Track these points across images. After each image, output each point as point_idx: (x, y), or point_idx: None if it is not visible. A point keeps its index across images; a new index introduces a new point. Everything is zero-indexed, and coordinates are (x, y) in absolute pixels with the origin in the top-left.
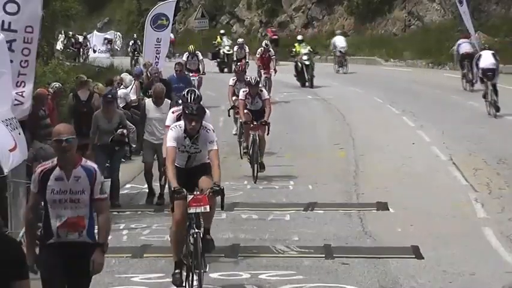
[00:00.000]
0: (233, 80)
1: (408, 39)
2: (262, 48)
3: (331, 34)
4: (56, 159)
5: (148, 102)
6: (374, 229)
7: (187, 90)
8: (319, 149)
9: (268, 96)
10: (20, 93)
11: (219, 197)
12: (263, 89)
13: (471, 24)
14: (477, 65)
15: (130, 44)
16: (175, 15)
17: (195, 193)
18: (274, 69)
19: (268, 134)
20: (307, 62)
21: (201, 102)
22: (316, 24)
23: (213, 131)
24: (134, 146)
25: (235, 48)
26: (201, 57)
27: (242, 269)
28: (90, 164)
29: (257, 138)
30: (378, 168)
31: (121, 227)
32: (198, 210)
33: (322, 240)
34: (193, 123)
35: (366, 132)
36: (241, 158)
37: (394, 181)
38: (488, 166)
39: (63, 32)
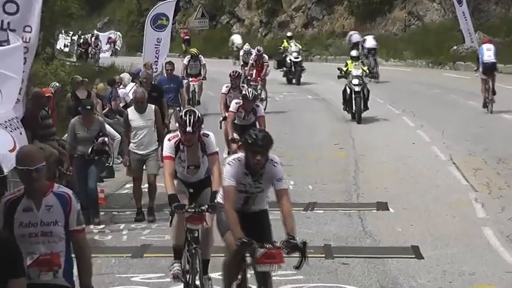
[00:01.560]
0: (226, 87)
1: (408, 39)
2: (255, 55)
3: (331, 34)
4: (23, 186)
5: (131, 110)
6: (374, 229)
7: (185, 111)
8: (319, 149)
9: (263, 114)
10: (19, 91)
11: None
12: (260, 105)
13: (471, 25)
14: (363, 46)
15: None
16: (175, 15)
17: (266, 246)
18: (262, 78)
19: None
20: (357, 88)
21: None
22: (316, 24)
23: (281, 164)
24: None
25: (241, 52)
26: (203, 61)
27: None
28: (63, 189)
29: None
30: (378, 168)
31: (121, 227)
32: (273, 268)
33: (322, 240)
34: (258, 157)
35: (366, 132)
36: None
37: (394, 181)
38: (488, 166)
39: (63, 31)
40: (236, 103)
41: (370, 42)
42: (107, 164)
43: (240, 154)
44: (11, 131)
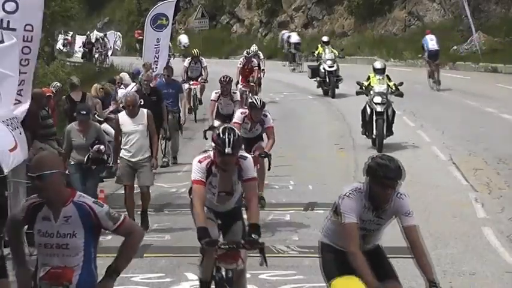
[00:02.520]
0: (216, 93)
1: (408, 39)
2: (244, 58)
3: (331, 34)
4: None
5: (121, 115)
6: None
7: (222, 128)
8: (319, 149)
9: (272, 124)
10: (19, 92)
11: None
12: (267, 114)
13: (471, 24)
14: (289, 42)
15: None
16: (175, 15)
17: None
18: (254, 83)
19: (269, 168)
20: (379, 108)
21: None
22: (316, 24)
23: (408, 196)
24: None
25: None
26: (205, 63)
27: None
28: (84, 199)
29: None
30: None
31: None
32: None
33: None
34: (389, 191)
35: None
36: None
37: None
38: (488, 166)
39: (63, 31)
40: (242, 113)
41: (294, 37)
42: (107, 165)
43: (359, 184)
44: (12, 130)
